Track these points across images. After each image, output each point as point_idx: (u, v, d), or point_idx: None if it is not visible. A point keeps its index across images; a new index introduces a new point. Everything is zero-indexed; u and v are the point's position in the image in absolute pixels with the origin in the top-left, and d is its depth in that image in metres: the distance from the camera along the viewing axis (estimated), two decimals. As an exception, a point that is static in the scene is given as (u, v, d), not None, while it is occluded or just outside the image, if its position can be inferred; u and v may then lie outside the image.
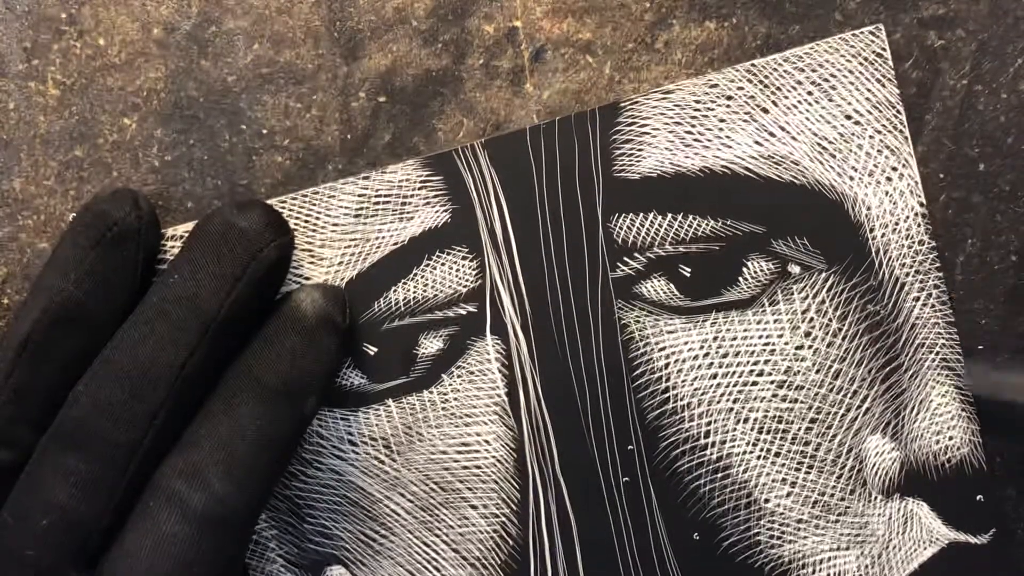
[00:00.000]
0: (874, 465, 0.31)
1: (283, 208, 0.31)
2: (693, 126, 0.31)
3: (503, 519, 0.31)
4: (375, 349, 0.31)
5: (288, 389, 0.28)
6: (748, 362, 0.31)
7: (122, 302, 0.28)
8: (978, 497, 0.31)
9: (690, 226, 0.31)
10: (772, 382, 0.31)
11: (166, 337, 0.27)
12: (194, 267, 0.27)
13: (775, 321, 0.31)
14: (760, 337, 0.31)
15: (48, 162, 0.31)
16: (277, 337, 0.28)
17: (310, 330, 0.28)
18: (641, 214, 0.31)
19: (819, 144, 0.31)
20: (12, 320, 0.30)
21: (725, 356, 0.31)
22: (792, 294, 0.31)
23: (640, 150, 0.31)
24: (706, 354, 0.31)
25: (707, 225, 0.31)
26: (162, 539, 0.26)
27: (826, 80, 0.30)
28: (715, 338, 0.31)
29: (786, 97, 0.30)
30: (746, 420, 0.31)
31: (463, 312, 0.31)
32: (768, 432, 0.31)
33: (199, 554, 0.26)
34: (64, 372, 0.27)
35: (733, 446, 0.31)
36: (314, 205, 0.31)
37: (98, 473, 0.27)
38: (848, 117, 0.31)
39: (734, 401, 0.31)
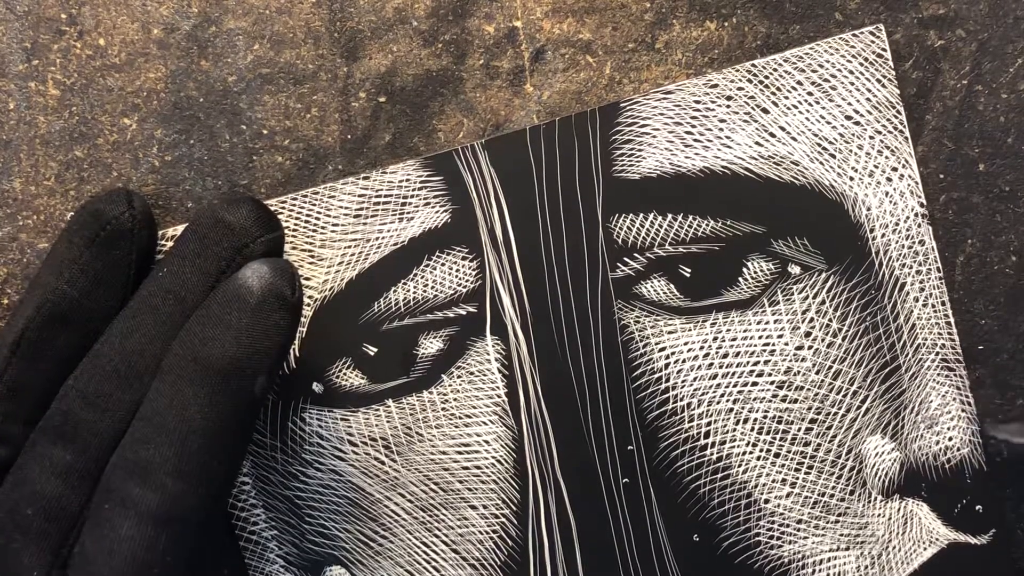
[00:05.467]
0: (874, 465, 0.31)
1: (283, 208, 0.31)
2: (693, 126, 0.31)
3: (503, 520, 0.31)
4: (375, 349, 0.31)
5: (234, 368, 0.26)
6: (748, 362, 0.31)
7: (116, 300, 0.28)
8: (977, 507, 0.31)
9: (690, 226, 0.31)
10: (772, 383, 0.31)
11: (152, 330, 0.27)
12: (181, 261, 0.27)
13: (775, 321, 0.31)
14: (760, 337, 0.31)
15: (48, 162, 0.31)
16: (221, 314, 0.26)
17: (256, 305, 0.26)
18: (641, 214, 0.31)
19: (819, 144, 0.31)
20: (8, 319, 0.30)
21: (725, 356, 0.31)
22: (792, 294, 0.31)
23: (640, 150, 0.31)
24: (706, 354, 0.31)
25: (707, 225, 0.31)
26: (118, 542, 0.26)
27: (826, 80, 0.30)
28: (715, 338, 0.31)
29: (786, 97, 0.30)
30: (746, 421, 0.31)
31: (463, 312, 0.31)
32: (768, 432, 0.31)
33: (157, 554, 0.26)
34: (58, 370, 0.27)
35: (733, 447, 0.31)
36: (314, 205, 0.31)
37: (82, 463, 0.26)
38: (848, 117, 0.30)
39: (734, 402, 0.31)
